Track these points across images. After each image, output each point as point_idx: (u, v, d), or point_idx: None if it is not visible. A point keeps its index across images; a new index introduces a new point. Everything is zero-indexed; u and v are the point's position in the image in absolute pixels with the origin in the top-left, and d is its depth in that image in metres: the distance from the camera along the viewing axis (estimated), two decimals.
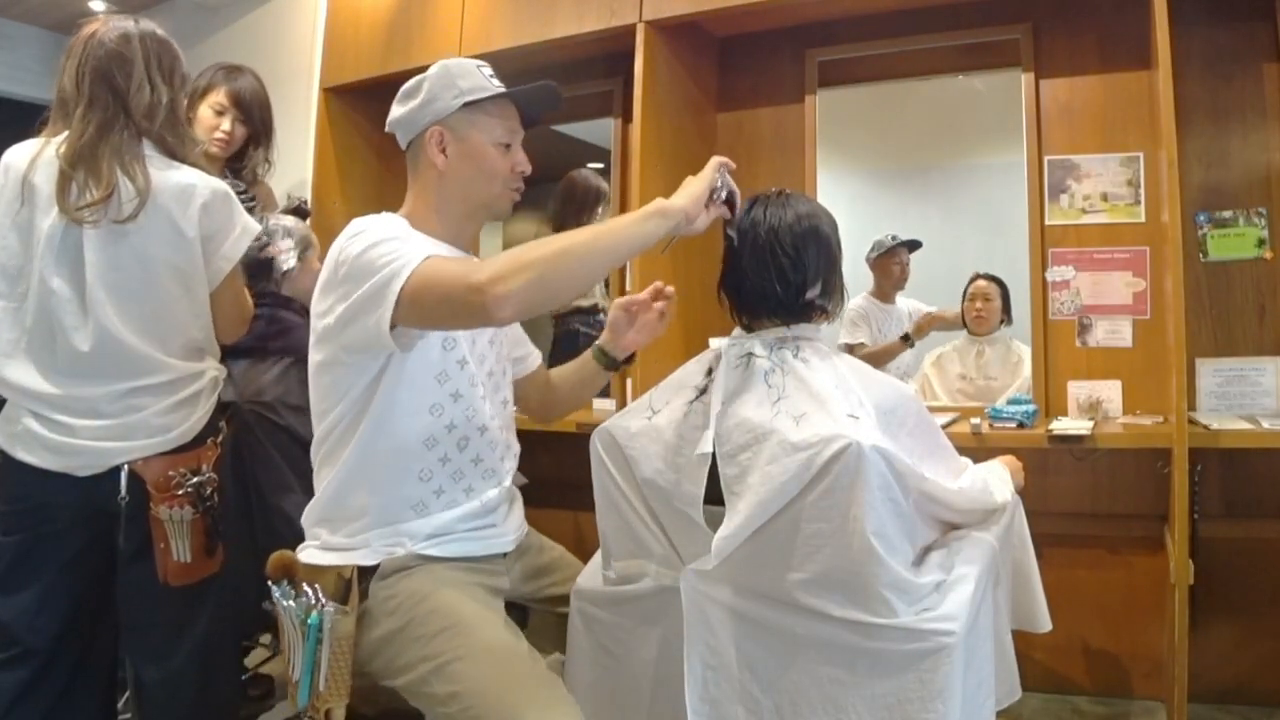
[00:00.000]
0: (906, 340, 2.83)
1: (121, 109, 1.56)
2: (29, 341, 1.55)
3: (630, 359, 1.67)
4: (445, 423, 1.43)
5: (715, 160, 1.39)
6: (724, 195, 1.40)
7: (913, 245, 2.87)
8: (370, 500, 1.41)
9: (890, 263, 2.89)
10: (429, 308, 1.25)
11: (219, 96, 2.21)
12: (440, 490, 1.44)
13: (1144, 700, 2.37)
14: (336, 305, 1.32)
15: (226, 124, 2.20)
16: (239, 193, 1.77)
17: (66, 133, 1.55)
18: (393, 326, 1.27)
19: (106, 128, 1.54)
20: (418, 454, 1.42)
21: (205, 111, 2.20)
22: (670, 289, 1.64)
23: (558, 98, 1.53)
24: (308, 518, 1.46)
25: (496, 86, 1.47)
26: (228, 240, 1.63)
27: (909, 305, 2.94)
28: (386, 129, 1.52)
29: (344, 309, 1.31)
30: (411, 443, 1.41)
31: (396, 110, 1.48)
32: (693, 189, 1.35)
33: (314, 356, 1.42)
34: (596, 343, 1.70)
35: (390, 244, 1.29)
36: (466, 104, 1.43)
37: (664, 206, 1.30)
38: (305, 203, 2.24)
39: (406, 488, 1.42)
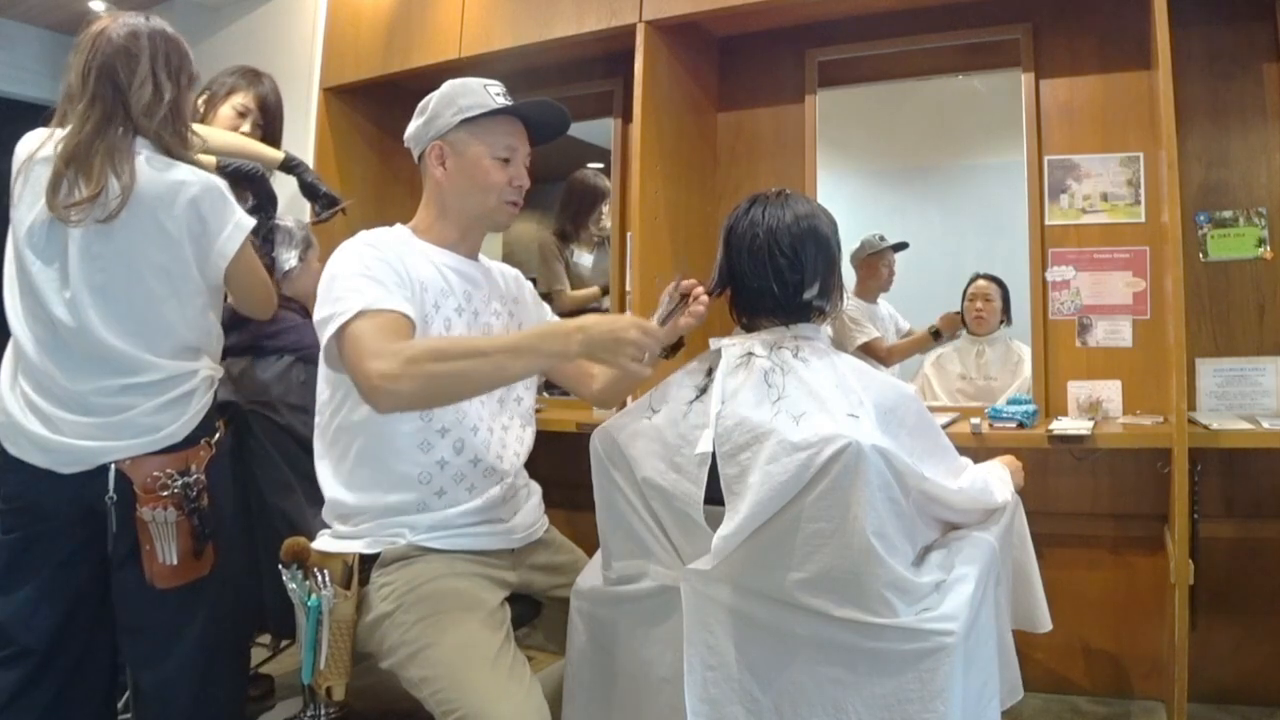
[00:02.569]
0: (937, 336, 2.82)
1: (122, 105, 1.56)
2: (37, 325, 1.56)
3: (679, 346, 1.62)
4: (437, 427, 1.49)
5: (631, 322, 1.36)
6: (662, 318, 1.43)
7: (899, 247, 2.87)
8: (375, 502, 1.49)
9: (879, 264, 2.88)
10: (345, 364, 1.34)
11: (245, 99, 2.23)
12: (442, 491, 1.50)
13: (1144, 700, 2.37)
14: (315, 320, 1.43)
15: (246, 127, 2.22)
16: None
17: (69, 128, 1.55)
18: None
19: (104, 125, 1.54)
20: (415, 459, 1.48)
21: (227, 112, 2.21)
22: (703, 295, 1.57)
23: (559, 113, 1.59)
24: (325, 510, 1.55)
25: (499, 104, 1.53)
26: (220, 237, 1.61)
27: (888, 308, 2.94)
28: (405, 143, 1.61)
29: (315, 323, 1.42)
30: (407, 449, 1.48)
31: (410, 127, 1.58)
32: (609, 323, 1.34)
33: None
34: None
35: (348, 281, 1.37)
36: (465, 120, 1.51)
37: (564, 346, 1.31)
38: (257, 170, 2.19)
39: (408, 491, 1.49)
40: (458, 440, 1.50)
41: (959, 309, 2.78)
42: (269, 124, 2.28)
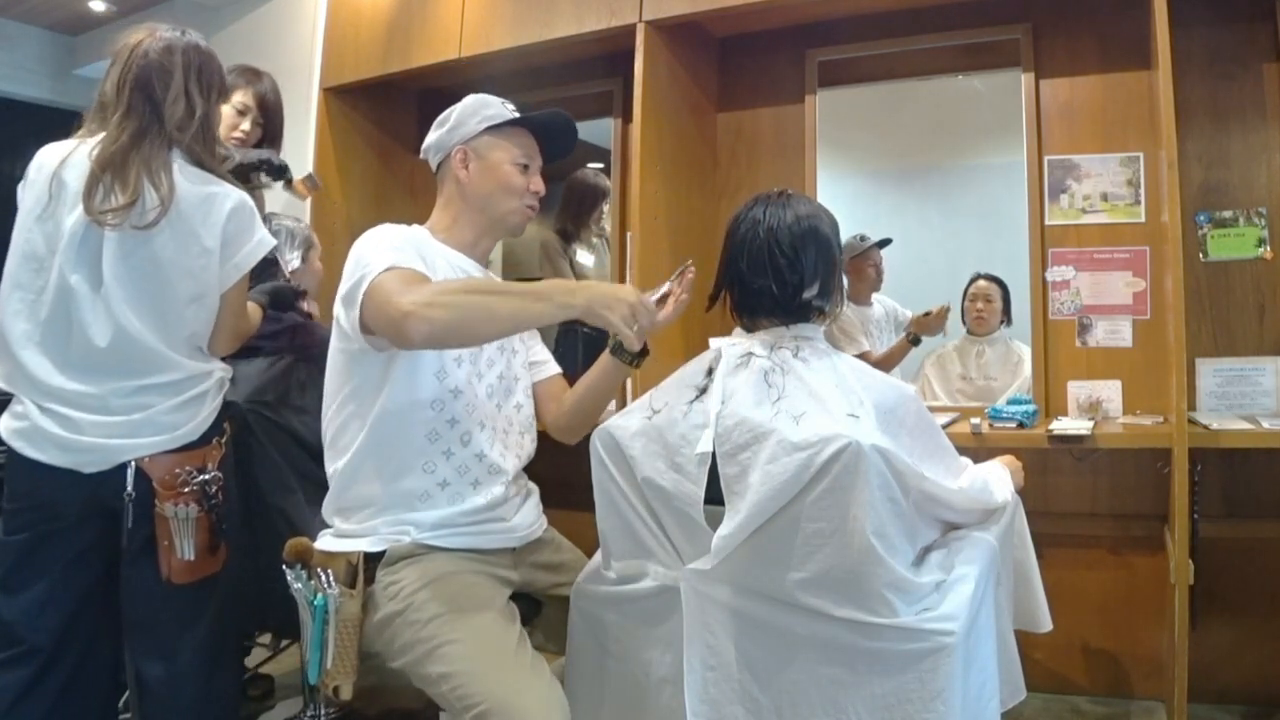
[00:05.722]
0: (915, 341, 2.80)
1: (156, 119, 1.59)
2: (43, 335, 1.57)
3: (644, 353, 1.64)
4: (447, 418, 1.51)
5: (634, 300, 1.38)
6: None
7: (883, 243, 2.83)
8: (377, 490, 1.50)
9: (865, 265, 2.85)
10: (373, 316, 1.39)
11: (244, 97, 2.24)
12: (445, 482, 1.51)
13: (1144, 700, 2.37)
14: (338, 297, 1.47)
15: (246, 124, 2.24)
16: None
17: (102, 135, 1.58)
18: (365, 327, 1.42)
19: (140, 136, 1.57)
20: (421, 447, 1.50)
21: (227, 111, 2.21)
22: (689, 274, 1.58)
23: (571, 128, 1.70)
24: (325, 508, 1.57)
25: (516, 115, 1.64)
26: (242, 250, 1.65)
27: (886, 305, 2.92)
28: (420, 155, 1.69)
29: (337, 302, 1.46)
30: (415, 436, 1.49)
31: (430, 137, 1.65)
32: (601, 294, 1.37)
33: (333, 343, 1.54)
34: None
35: (373, 250, 1.43)
36: (489, 128, 1.61)
37: (569, 299, 1.36)
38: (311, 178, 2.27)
39: (411, 479, 1.50)
40: (465, 433, 1.52)
41: (960, 309, 2.79)
42: (269, 122, 2.30)
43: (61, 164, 1.57)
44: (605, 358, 1.67)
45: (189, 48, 1.64)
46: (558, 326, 3.17)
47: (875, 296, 2.91)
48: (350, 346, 1.49)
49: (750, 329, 1.46)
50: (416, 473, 1.50)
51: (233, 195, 1.64)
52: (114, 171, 1.54)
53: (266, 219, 1.96)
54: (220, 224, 1.61)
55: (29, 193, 1.59)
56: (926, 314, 2.78)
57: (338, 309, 1.47)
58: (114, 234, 1.54)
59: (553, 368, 1.80)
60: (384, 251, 1.43)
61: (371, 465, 1.49)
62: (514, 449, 1.62)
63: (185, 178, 1.59)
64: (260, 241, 1.68)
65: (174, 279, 1.59)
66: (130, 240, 1.55)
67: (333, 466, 1.54)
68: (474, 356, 1.55)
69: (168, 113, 1.60)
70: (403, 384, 1.48)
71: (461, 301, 1.34)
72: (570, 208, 3.21)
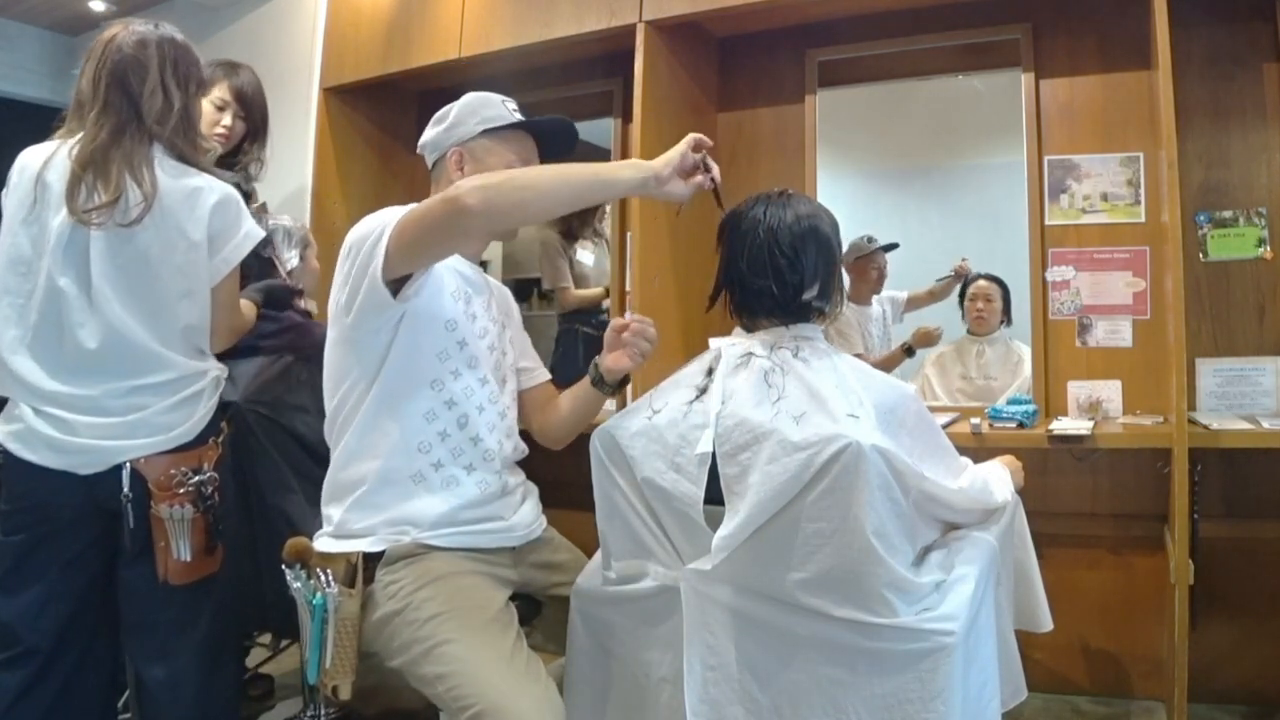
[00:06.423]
0: (909, 352, 2.82)
1: (135, 114, 1.58)
2: (33, 339, 1.56)
3: (624, 383, 1.68)
4: (445, 398, 1.52)
5: (689, 136, 1.44)
6: (701, 166, 1.44)
7: (889, 248, 2.85)
8: (371, 467, 1.50)
9: (868, 266, 2.86)
10: (413, 237, 1.37)
11: (221, 91, 2.22)
12: (439, 464, 1.51)
13: (1144, 700, 2.37)
14: (346, 280, 1.46)
15: (227, 119, 2.22)
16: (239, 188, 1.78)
17: (81, 134, 1.57)
18: (392, 282, 1.40)
19: (119, 132, 1.56)
20: (418, 427, 1.50)
21: (206, 106, 2.20)
22: (652, 331, 1.61)
23: (572, 132, 1.67)
24: (323, 495, 1.57)
25: (518, 118, 1.63)
26: (230, 243, 1.64)
27: (881, 306, 2.93)
28: (417, 151, 1.67)
29: (352, 278, 1.44)
30: (412, 415, 1.50)
31: (427, 134, 1.65)
32: (666, 154, 1.42)
33: (329, 336, 1.53)
34: (594, 360, 1.70)
35: (380, 216, 1.44)
36: (485, 130, 1.60)
37: (638, 161, 1.45)
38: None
39: (405, 458, 1.50)
40: (462, 415, 1.53)
41: (960, 309, 2.79)
42: (249, 114, 2.27)
43: (44, 165, 1.56)
44: (586, 385, 1.69)
45: (163, 40, 1.62)
46: (558, 326, 3.18)
47: (874, 297, 2.92)
48: (354, 334, 1.48)
49: (750, 329, 1.46)
50: (411, 451, 1.49)
51: (217, 188, 1.62)
52: (95, 170, 1.53)
53: (261, 218, 1.96)
54: (205, 217, 1.60)
55: (12, 196, 1.58)
56: (927, 330, 2.82)
57: (351, 285, 1.44)
58: (100, 233, 1.53)
59: (541, 375, 1.79)
60: (394, 210, 1.43)
61: (368, 445, 1.50)
62: (507, 442, 1.62)
63: (166, 172, 1.58)
64: (248, 234, 1.66)
65: (163, 275, 1.58)
66: (116, 238, 1.54)
67: (334, 452, 1.55)
68: (468, 344, 1.55)
69: (145, 107, 1.58)
70: (406, 363, 1.48)
71: (508, 174, 1.37)
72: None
